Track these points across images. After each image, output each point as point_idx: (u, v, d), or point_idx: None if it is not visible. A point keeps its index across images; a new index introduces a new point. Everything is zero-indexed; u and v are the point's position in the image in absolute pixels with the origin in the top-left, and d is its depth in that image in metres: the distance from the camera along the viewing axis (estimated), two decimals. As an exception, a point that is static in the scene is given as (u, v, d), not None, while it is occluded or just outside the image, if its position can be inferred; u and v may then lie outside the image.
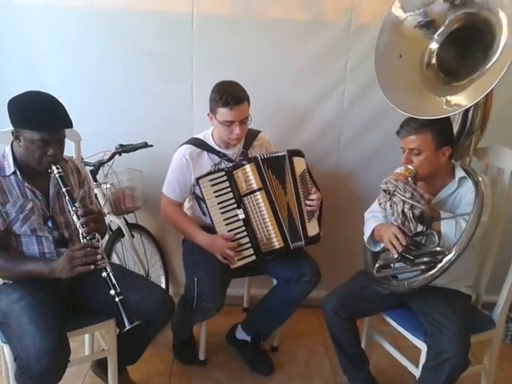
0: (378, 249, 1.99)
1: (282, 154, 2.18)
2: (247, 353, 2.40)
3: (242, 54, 2.49)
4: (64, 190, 1.69)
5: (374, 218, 2.02)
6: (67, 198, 1.69)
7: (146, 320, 1.83)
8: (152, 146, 2.39)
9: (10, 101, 1.65)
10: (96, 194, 2.31)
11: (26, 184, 1.74)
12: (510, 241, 1.96)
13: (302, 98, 2.58)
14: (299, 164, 2.21)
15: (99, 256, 1.65)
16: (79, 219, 1.67)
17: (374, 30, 2.13)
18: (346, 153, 2.68)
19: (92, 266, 1.64)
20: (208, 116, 2.16)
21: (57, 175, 1.69)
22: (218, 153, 2.21)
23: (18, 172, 1.72)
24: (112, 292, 1.63)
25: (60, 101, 1.70)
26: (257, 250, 2.16)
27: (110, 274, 1.64)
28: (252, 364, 2.38)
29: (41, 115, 1.63)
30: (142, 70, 2.51)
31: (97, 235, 1.68)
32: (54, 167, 1.69)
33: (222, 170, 2.16)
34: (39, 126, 1.62)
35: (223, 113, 2.07)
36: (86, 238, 1.67)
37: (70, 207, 1.69)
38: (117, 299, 1.62)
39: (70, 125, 1.70)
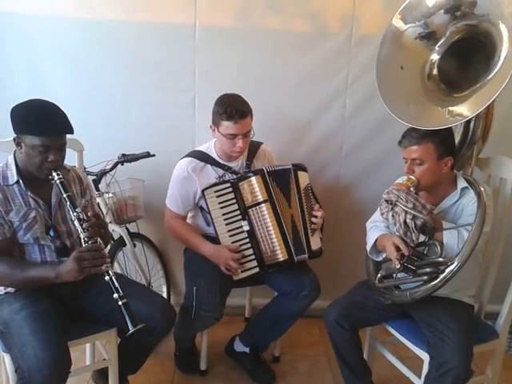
0: (380, 258, 1.99)
1: (288, 167, 2.19)
2: (247, 364, 2.38)
3: (244, 65, 2.51)
4: (65, 195, 1.69)
5: (376, 227, 2.02)
6: (68, 203, 1.69)
7: (148, 329, 1.83)
8: (154, 155, 2.39)
9: (12, 108, 1.68)
10: (98, 203, 2.32)
11: (29, 193, 1.74)
12: (513, 251, 1.97)
13: (303, 108, 2.60)
14: (303, 178, 2.22)
15: (107, 259, 1.65)
16: (81, 224, 1.66)
17: (375, 41, 2.15)
18: (348, 163, 2.69)
19: (103, 267, 1.62)
20: (210, 128, 2.17)
21: (57, 181, 1.70)
22: (222, 166, 2.22)
23: (21, 181, 1.73)
24: (115, 295, 1.61)
25: (61, 108, 1.72)
26: (260, 262, 2.15)
27: (113, 277, 1.63)
28: (253, 375, 2.36)
29: (42, 121, 1.65)
30: (145, 80, 2.52)
31: (98, 239, 1.67)
32: (54, 173, 1.70)
33: (228, 181, 2.16)
34: (40, 131, 1.64)
35: (227, 126, 2.08)
36: (87, 242, 1.66)
37: (71, 213, 1.69)
38: (120, 302, 1.61)
39: (71, 131, 1.72)
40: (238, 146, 2.12)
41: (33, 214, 1.74)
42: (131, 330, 1.60)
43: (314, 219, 2.19)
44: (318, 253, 2.21)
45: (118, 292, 1.62)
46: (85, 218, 1.68)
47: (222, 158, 2.23)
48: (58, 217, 1.81)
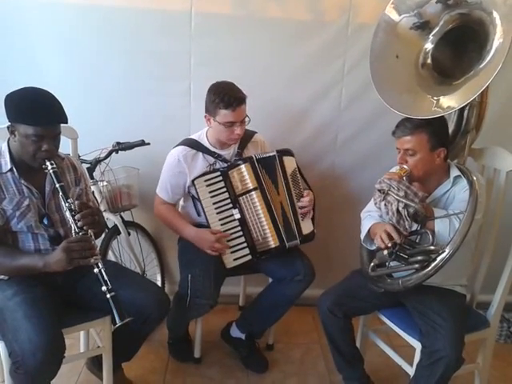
0: (374, 247, 2.00)
1: (272, 154, 2.19)
2: (242, 351, 2.40)
3: (240, 53, 2.50)
4: (58, 185, 1.69)
5: (370, 217, 2.03)
6: (60, 193, 1.69)
7: (141, 317, 1.85)
8: (149, 144, 2.38)
9: (6, 96, 1.66)
10: (93, 192, 2.31)
11: (23, 181, 1.74)
12: (505, 241, 1.97)
13: (299, 97, 2.59)
14: (289, 163, 2.22)
15: (97, 251, 1.65)
16: (73, 215, 1.66)
17: (372, 30, 2.13)
18: (343, 153, 2.69)
19: (92, 260, 1.63)
20: (205, 118, 2.16)
21: (51, 171, 1.69)
22: (212, 153, 2.22)
23: (14, 169, 1.72)
24: (104, 288, 1.62)
25: (56, 97, 1.70)
26: (252, 249, 2.16)
27: (102, 270, 1.63)
28: (246, 362, 2.38)
29: (36, 110, 1.64)
30: (140, 68, 2.50)
31: (89, 231, 1.67)
32: (48, 163, 1.69)
33: (218, 170, 2.16)
34: (34, 121, 1.63)
35: (225, 114, 2.07)
36: (78, 233, 1.66)
37: (63, 203, 1.69)
38: (108, 295, 1.62)
39: (65, 120, 1.71)
40: (237, 133, 2.12)
41: (26, 203, 1.74)
42: (118, 323, 1.61)
43: (300, 204, 2.20)
44: (310, 236, 2.23)
45: (106, 285, 1.62)
46: (76, 208, 1.67)
47: (215, 146, 2.23)
48: (51, 205, 1.81)
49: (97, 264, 1.64)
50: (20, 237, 1.77)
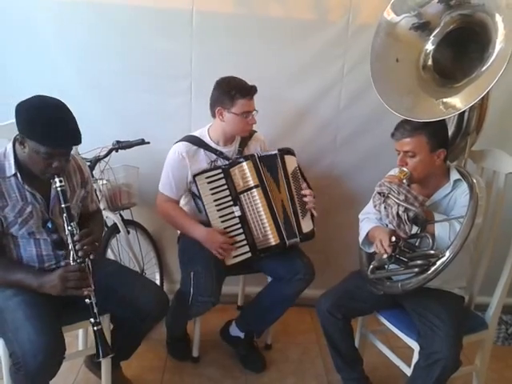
0: (372, 250, 2.00)
1: (274, 152, 2.20)
2: (240, 349, 2.41)
3: (240, 52, 2.49)
4: (63, 205, 1.66)
5: (367, 219, 2.04)
6: (65, 215, 1.66)
7: (141, 316, 1.85)
8: (149, 142, 2.38)
9: (18, 106, 1.59)
10: (95, 190, 2.31)
11: (27, 187, 1.69)
12: (504, 243, 1.97)
13: (298, 97, 2.59)
14: (291, 162, 2.23)
15: (90, 281, 1.67)
16: (73, 240, 1.65)
17: (372, 30, 2.12)
18: (342, 153, 2.69)
19: (86, 292, 1.65)
20: (216, 113, 2.15)
21: (58, 188, 1.65)
22: (214, 150, 2.22)
23: (18, 175, 1.67)
24: (92, 320, 1.65)
25: (71, 111, 1.63)
26: (252, 246, 2.16)
27: (93, 302, 1.66)
28: (245, 361, 2.39)
29: (51, 132, 1.57)
30: (141, 66, 2.50)
31: (87, 261, 1.67)
32: (56, 179, 1.64)
33: (219, 167, 2.16)
34: (48, 142, 1.57)
35: (243, 104, 2.10)
36: (76, 260, 1.66)
37: (65, 225, 1.67)
38: (95, 328, 1.65)
39: (80, 141, 1.64)
40: (252, 122, 2.16)
41: (29, 209, 1.70)
42: (100, 358, 1.66)
43: (305, 199, 2.21)
44: (310, 235, 2.23)
45: (95, 318, 1.65)
46: (78, 232, 1.67)
47: (218, 143, 2.23)
48: (55, 210, 1.77)
49: (89, 296, 1.65)
50: (21, 241, 1.75)
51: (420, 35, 2.04)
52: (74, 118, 1.63)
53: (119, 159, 2.45)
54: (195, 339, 2.36)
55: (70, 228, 1.66)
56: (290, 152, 2.25)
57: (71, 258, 1.67)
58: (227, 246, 2.12)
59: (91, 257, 1.69)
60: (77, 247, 1.65)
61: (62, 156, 1.64)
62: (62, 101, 1.65)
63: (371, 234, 1.96)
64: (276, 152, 2.20)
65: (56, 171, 1.64)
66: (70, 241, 1.66)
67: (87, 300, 1.65)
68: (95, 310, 1.65)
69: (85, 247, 1.66)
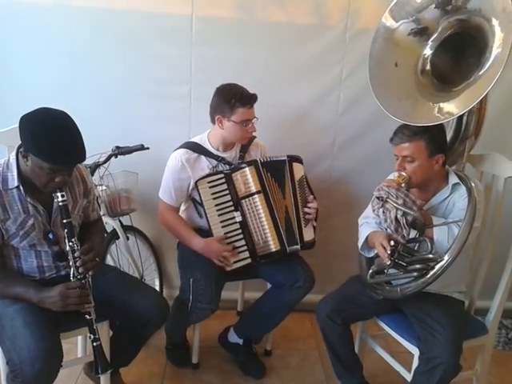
0: (371, 255, 2.00)
1: (283, 158, 2.20)
2: (239, 356, 2.40)
3: (240, 57, 2.50)
4: (65, 221, 1.66)
5: (367, 224, 2.04)
6: (66, 230, 1.66)
7: (141, 322, 1.84)
8: (148, 148, 2.38)
9: (22, 119, 1.57)
10: (97, 198, 2.31)
11: (29, 199, 1.68)
12: (504, 247, 1.97)
13: (297, 102, 2.60)
14: (298, 170, 2.23)
15: (90, 298, 1.67)
16: (74, 257, 1.65)
17: (371, 35, 2.13)
18: (340, 157, 2.69)
19: (87, 308, 1.65)
20: (216, 120, 2.15)
21: (60, 203, 1.65)
22: (215, 156, 2.22)
23: (21, 187, 1.66)
24: (91, 336, 1.66)
25: (76, 125, 1.61)
26: (253, 252, 2.16)
27: (93, 318, 1.66)
28: (244, 367, 2.38)
29: (56, 151, 1.55)
30: (140, 71, 2.51)
31: (87, 276, 1.67)
32: (58, 194, 1.64)
33: (221, 172, 2.16)
34: (53, 161, 1.56)
35: (243, 112, 2.09)
36: (76, 277, 1.66)
37: (66, 240, 1.67)
38: (94, 344, 1.66)
39: (85, 159, 1.64)
40: (251, 130, 2.15)
41: (31, 222, 1.70)
42: (100, 374, 1.68)
43: (306, 209, 2.21)
44: (311, 244, 2.23)
45: (94, 334, 1.66)
46: (79, 248, 1.66)
47: (218, 149, 2.23)
48: (57, 221, 1.76)
49: (89, 312, 1.66)
50: (22, 253, 1.75)
51: (418, 40, 2.05)
52: (79, 134, 1.61)
53: (118, 165, 2.45)
54: (195, 345, 2.35)
55: (71, 244, 1.66)
56: (298, 160, 2.25)
57: (71, 275, 1.67)
58: (227, 253, 2.12)
59: (90, 273, 1.68)
60: (78, 264, 1.65)
61: (66, 171, 1.64)
62: (64, 108, 1.63)
63: (370, 238, 1.96)
64: (285, 158, 2.20)
65: (59, 185, 1.64)
66: (70, 257, 1.66)
67: (87, 316, 1.66)
68: (94, 327, 1.66)
69: (86, 265, 1.66)
